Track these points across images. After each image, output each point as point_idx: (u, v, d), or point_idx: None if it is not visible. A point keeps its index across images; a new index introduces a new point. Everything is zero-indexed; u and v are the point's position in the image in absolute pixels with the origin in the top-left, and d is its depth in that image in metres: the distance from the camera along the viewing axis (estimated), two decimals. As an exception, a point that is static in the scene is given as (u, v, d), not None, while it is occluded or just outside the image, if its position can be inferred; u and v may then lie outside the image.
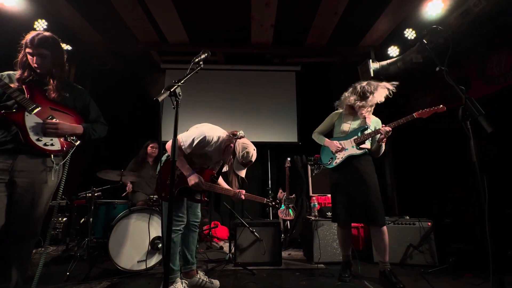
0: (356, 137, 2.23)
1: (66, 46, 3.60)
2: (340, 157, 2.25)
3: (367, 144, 2.25)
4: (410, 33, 3.37)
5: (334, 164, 2.28)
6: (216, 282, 2.01)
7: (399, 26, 3.52)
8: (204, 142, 1.82)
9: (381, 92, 2.19)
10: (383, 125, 2.15)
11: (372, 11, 3.37)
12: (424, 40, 1.82)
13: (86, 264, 2.32)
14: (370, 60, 3.72)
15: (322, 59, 4.56)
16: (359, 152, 2.20)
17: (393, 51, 3.70)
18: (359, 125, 2.27)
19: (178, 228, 1.86)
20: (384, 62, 3.69)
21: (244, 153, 1.83)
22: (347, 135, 2.28)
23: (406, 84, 4.29)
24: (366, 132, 2.22)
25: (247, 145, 1.87)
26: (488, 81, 3.08)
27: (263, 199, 2.12)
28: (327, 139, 2.37)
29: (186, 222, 1.94)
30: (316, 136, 2.46)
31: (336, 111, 2.42)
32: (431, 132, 3.88)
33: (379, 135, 2.13)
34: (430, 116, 3.76)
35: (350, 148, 2.23)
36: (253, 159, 1.88)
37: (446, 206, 2.90)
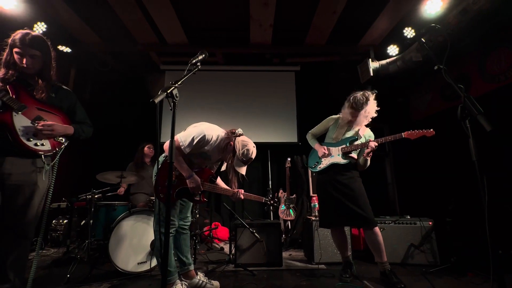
0: (344, 146, 2.24)
1: (65, 49, 3.62)
2: (324, 163, 2.29)
3: (354, 154, 2.25)
4: (409, 32, 3.36)
5: (318, 169, 2.33)
6: (216, 283, 2.00)
7: (398, 25, 3.51)
8: (203, 141, 1.81)
9: (373, 105, 2.19)
10: (371, 139, 2.16)
11: (371, 10, 3.36)
12: (422, 39, 1.81)
13: (87, 266, 2.32)
14: (370, 59, 3.71)
15: (321, 59, 4.55)
16: (343, 161, 2.21)
17: (393, 50, 3.69)
18: (352, 135, 2.28)
19: (171, 230, 1.85)
20: (384, 61, 3.68)
21: (244, 151, 1.83)
22: (337, 142, 2.29)
23: (406, 83, 4.31)
24: (355, 143, 2.23)
25: (246, 143, 1.87)
26: (488, 79, 3.06)
27: (261, 198, 2.11)
28: (317, 143, 2.40)
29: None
30: (309, 137, 2.49)
31: (333, 116, 2.41)
32: (432, 129, 3.86)
33: (365, 148, 2.13)
34: (431, 115, 3.74)
35: (335, 156, 2.25)
36: (253, 156, 1.88)
37: (447, 205, 2.88)
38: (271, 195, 2.31)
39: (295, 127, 4.66)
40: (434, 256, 2.59)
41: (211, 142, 1.85)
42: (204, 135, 1.81)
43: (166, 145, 1.84)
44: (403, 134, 2.06)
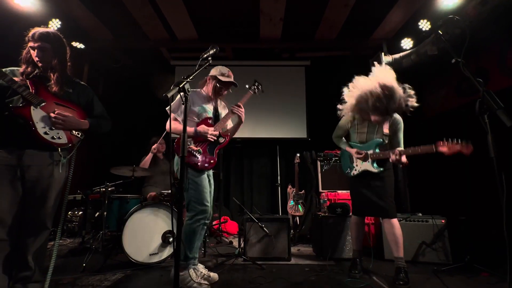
0: (372, 152, 2.13)
1: (79, 45, 3.69)
2: (357, 169, 2.21)
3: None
4: (424, 24, 3.25)
5: (351, 174, 2.27)
6: (215, 276, 2.02)
7: (413, 17, 3.40)
8: (190, 98, 1.95)
9: (399, 95, 1.89)
10: (398, 150, 1.95)
11: (384, 2, 3.26)
12: (439, 31, 1.74)
13: (101, 256, 2.40)
14: (382, 53, 3.62)
15: (332, 53, 4.48)
16: (375, 170, 2.12)
17: (407, 43, 3.59)
18: (376, 133, 2.15)
19: (202, 217, 1.91)
20: (397, 55, 3.59)
21: (218, 70, 2.08)
22: (364, 145, 2.20)
23: (419, 78, 4.18)
24: (382, 145, 2.12)
25: (216, 67, 2.10)
26: (508, 73, 2.94)
27: (249, 92, 2.25)
28: (347, 145, 2.29)
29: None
30: (336, 141, 2.39)
31: (347, 117, 2.24)
32: (446, 126, 3.75)
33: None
34: (445, 112, 3.59)
35: (366, 163, 2.15)
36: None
37: (461, 203, 2.81)
38: (279, 185, 2.42)
39: (305, 122, 4.62)
40: (447, 254, 2.54)
41: (195, 93, 2.07)
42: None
43: (168, 126, 1.95)
44: (435, 147, 1.80)
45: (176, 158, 2.00)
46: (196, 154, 1.91)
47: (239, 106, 2.07)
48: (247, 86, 2.24)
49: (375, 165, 2.13)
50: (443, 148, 1.79)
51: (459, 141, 1.74)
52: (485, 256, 2.40)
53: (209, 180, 2.10)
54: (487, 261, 2.30)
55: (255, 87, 2.28)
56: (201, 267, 2.03)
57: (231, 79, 2.10)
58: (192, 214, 1.91)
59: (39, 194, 1.53)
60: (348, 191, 3.22)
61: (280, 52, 4.64)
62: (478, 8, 2.56)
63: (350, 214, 2.75)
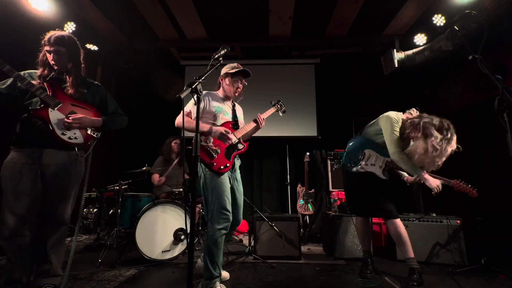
0: (389, 159, 2.04)
1: (93, 47, 3.79)
2: (364, 168, 2.12)
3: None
4: (439, 20, 3.15)
5: (352, 170, 2.15)
6: (226, 274, 2.03)
7: (426, 12, 3.30)
8: (206, 98, 1.95)
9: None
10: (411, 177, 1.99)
11: (396, -3, 3.19)
12: (455, 27, 1.68)
13: (116, 252, 2.48)
14: (395, 50, 3.54)
15: (342, 51, 4.41)
16: (383, 177, 2.08)
17: (420, 39, 3.49)
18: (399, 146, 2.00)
19: (222, 227, 1.70)
20: (410, 52, 3.50)
21: (227, 67, 2.02)
22: (383, 149, 2.07)
23: (433, 74, 4.07)
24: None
25: (224, 67, 2.04)
26: (528, 68, 2.82)
27: (272, 109, 2.28)
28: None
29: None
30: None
31: (396, 116, 2.03)
32: (460, 122, 3.63)
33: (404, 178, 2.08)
34: (461, 108, 3.51)
35: (377, 166, 2.10)
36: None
37: (478, 203, 2.72)
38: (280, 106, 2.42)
39: (315, 120, 4.58)
40: (462, 256, 2.47)
41: (208, 93, 1.99)
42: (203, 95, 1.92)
43: (178, 121, 1.83)
44: (452, 182, 2.02)
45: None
46: (213, 153, 1.81)
47: (261, 120, 2.06)
48: (271, 102, 2.31)
49: (385, 173, 2.11)
50: (455, 185, 2.02)
51: (469, 186, 2.00)
52: (503, 258, 2.32)
53: (237, 186, 1.96)
54: (505, 263, 2.22)
55: (279, 106, 2.37)
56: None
57: (241, 68, 2.04)
58: (213, 223, 1.71)
59: (58, 191, 1.60)
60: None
61: (289, 50, 4.61)
62: (495, 1, 2.46)
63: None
